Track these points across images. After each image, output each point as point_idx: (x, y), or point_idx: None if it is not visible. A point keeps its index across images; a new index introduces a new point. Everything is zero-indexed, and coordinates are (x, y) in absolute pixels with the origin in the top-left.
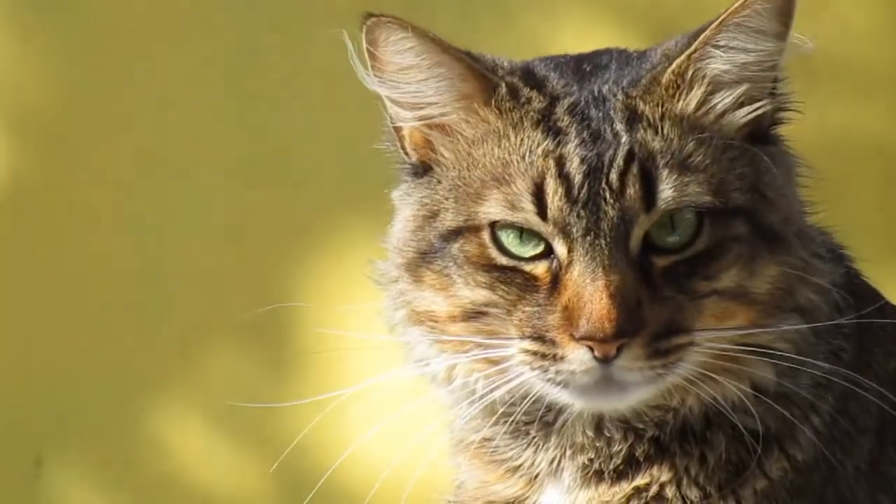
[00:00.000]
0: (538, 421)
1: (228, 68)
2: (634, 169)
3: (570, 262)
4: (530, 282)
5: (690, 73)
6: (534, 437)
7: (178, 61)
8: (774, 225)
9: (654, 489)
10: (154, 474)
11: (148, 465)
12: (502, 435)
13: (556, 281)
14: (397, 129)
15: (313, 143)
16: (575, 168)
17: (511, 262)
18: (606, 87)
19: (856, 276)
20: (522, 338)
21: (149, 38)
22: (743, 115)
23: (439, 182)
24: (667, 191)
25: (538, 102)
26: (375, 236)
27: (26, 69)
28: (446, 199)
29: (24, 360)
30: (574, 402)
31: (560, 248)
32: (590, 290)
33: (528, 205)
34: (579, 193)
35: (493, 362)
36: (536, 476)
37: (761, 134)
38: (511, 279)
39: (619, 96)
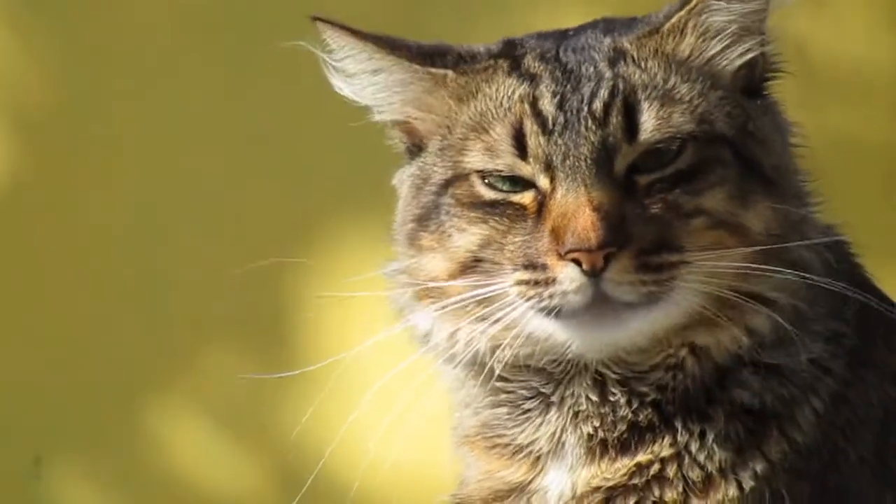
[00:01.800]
0: (536, 396)
1: (228, 68)
2: (618, 102)
3: (553, 189)
4: (519, 211)
5: (690, 25)
6: (533, 413)
7: (178, 61)
8: (765, 166)
9: (655, 467)
10: (154, 474)
11: (148, 464)
12: (502, 416)
13: (542, 209)
14: (380, 120)
15: (313, 143)
16: (547, 103)
17: (499, 196)
18: (592, 38)
19: (858, 271)
20: (515, 269)
21: (149, 38)
22: (735, 56)
23: (428, 152)
24: (649, 121)
25: (504, 61)
26: (375, 234)
27: (26, 69)
28: (434, 162)
29: (24, 359)
30: (569, 338)
31: (543, 181)
32: (573, 207)
33: (508, 147)
34: (555, 125)
35: (489, 315)
36: (539, 457)
37: (754, 86)
38: (502, 211)
39: (606, 41)
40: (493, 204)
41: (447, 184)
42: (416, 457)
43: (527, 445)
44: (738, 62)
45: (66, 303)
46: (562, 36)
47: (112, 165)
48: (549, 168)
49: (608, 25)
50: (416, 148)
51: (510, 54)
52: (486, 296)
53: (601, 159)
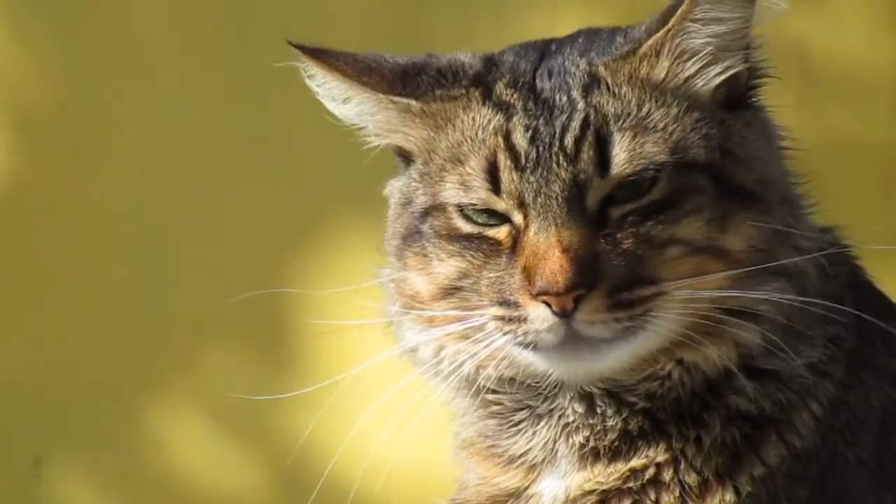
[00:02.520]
0: (526, 408)
1: (228, 68)
2: (589, 135)
3: (526, 226)
4: (494, 247)
5: (667, 47)
6: (523, 424)
7: (178, 61)
8: (746, 184)
9: (650, 471)
10: (154, 474)
11: (148, 465)
12: (494, 427)
13: (516, 245)
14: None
15: (313, 143)
16: (520, 137)
17: (475, 229)
18: (570, 60)
19: (859, 274)
20: (491, 304)
21: (149, 38)
22: (713, 75)
23: (412, 171)
24: (621, 154)
25: (476, 90)
26: (374, 234)
27: (26, 69)
28: (418, 184)
29: (24, 359)
30: (549, 368)
31: (517, 217)
32: (543, 247)
33: (482, 182)
34: (527, 161)
35: (471, 336)
36: (534, 465)
37: (737, 99)
38: (477, 246)
39: (582, 65)
40: (469, 237)
41: (426, 212)
42: (417, 459)
43: (521, 455)
44: (717, 81)
45: (66, 303)
46: (542, 53)
47: (112, 165)
48: (521, 205)
49: (588, 42)
50: (407, 160)
51: (484, 80)
52: (466, 328)
53: (572, 197)
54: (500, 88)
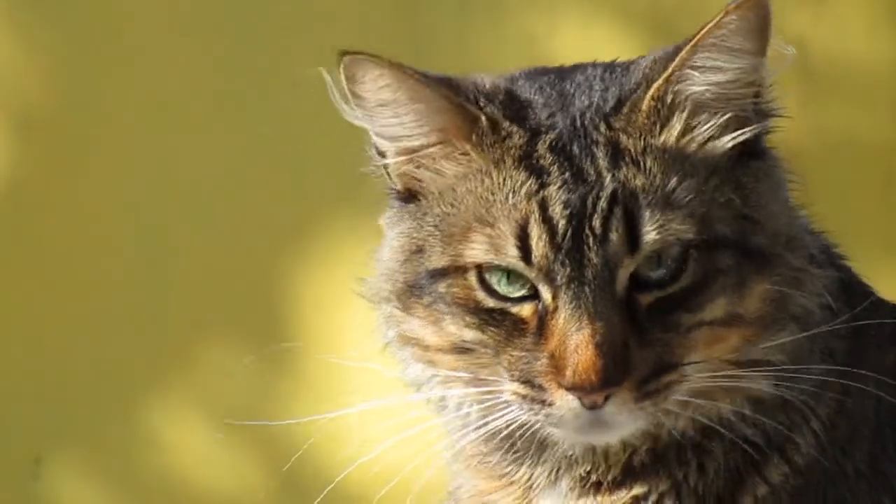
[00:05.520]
0: (534, 442)
1: (228, 68)
2: (618, 213)
3: (555, 308)
4: (518, 324)
5: (670, 97)
6: (526, 454)
7: (177, 61)
8: (763, 246)
9: (652, 498)
10: (154, 474)
11: (148, 465)
12: (495, 453)
13: (542, 325)
14: (383, 162)
15: (314, 144)
16: (558, 213)
17: (499, 304)
18: (589, 114)
19: (847, 275)
20: (512, 380)
21: (149, 38)
22: (727, 140)
23: (425, 215)
24: (650, 233)
25: (519, 138)
26: (375, 235)
27: (26, 69)
28: (432, 235)
29: (23, 359)
30: (565, 438)
31: (545, 293)
32: (575, 340)
33: (513, 249)
34: (563, 240)
35: (484, 399)
36: (532, 487)
37: (748, 151)
38: (500, 322)
39: (602, 128)
40: (490, 312)
41: (443, 273)
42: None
43: (524, 480)
44: (731, 144)
45: (66, 302)
46: (562, 94)
47: (112, 165)
48: (551, 282)
49: (603, 80)
50: (409, 195)
51: (528, 133)
52: (480, 391)
53: (604, 282)
54: (542, 149)
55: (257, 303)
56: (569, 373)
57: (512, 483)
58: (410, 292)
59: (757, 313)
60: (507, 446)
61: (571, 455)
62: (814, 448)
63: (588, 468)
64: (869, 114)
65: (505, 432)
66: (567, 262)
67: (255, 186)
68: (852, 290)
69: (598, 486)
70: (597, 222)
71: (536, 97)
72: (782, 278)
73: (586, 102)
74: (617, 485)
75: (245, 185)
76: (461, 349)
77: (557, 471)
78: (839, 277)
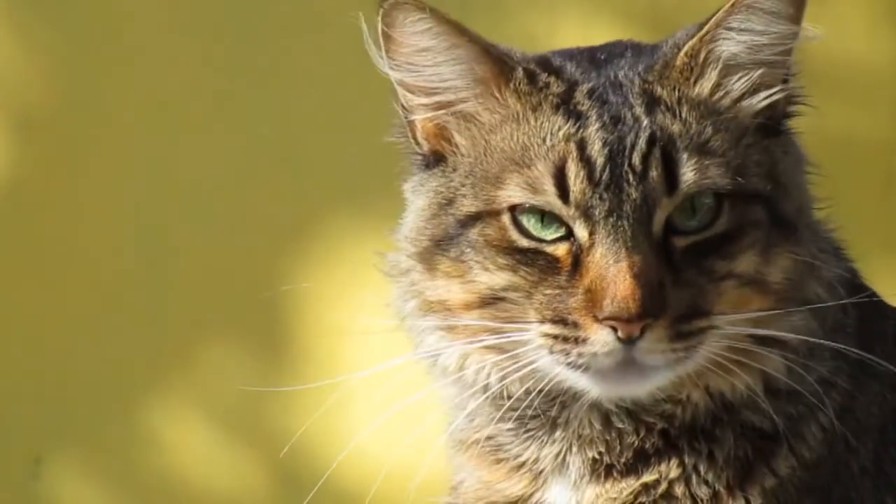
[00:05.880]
0: (542, 415)
1: (228, 68)
2: (657, 152)
3: (591, 245)
4: (552, 264)
5: (703, 55)
6: (538, 432)
7: (177, 61)
8: (789, 214)
9: (662, 486)
10: (154, 474)
11: (148, 464)
12: (505, 432)
13: (577, 263)
14: (409, 120)
15: (314, 143)
16: (597, 151)
17: (532, 244)
18: (623, 72)
19: (853, 275)
20: (542, 322)
21: (149, 38)
22: (758, 100)
23: (454, 170)
24: (688, 174)
25: (557, 87)
26: (375, 234)
27: (26, 69)
28: (462, 185)
29: (23, 359)
30: (592, 388)
31: (581, 231)
32: (613, 271)
33: (550, 188)
34: (601, 176)
35: (506, 350)
36: (541, 472)
37: (773, 125)
38: (533, 261)
39: (637, 81)
40: (524, 252)
41: (476, 218)
42: (416, 460)
43: (529, 462)
44: (761, 105)
45: (66, 302)
46: (594, 61)
47: (112, 165)
48: (588, 220)
49: (636, 56)
50: (434, 158)
51: (566, 82)
52: (504, 342)
53: (642, 218)
54: (579, 96)
55: (257, 303)
56: (607, 302)
57: (519, 468)
58: (436, 248)
59: (777, 284)
60: (514, 424)
61: (584, 435)
62: (821, 442)
63: (602, 449)
64: (869, 114)
65: (521, 398)
66: (606, 196)
67: (255, 186)
68: (858, 290)
69: (608, 471)
70: (636, 159)
71: (568, 63)
72: (801, 259)
73: (620, 64)
74: (628, 470)
75: (245, 185)
76: (488, 300)
77: (566, 453)
78: (848, 277)
